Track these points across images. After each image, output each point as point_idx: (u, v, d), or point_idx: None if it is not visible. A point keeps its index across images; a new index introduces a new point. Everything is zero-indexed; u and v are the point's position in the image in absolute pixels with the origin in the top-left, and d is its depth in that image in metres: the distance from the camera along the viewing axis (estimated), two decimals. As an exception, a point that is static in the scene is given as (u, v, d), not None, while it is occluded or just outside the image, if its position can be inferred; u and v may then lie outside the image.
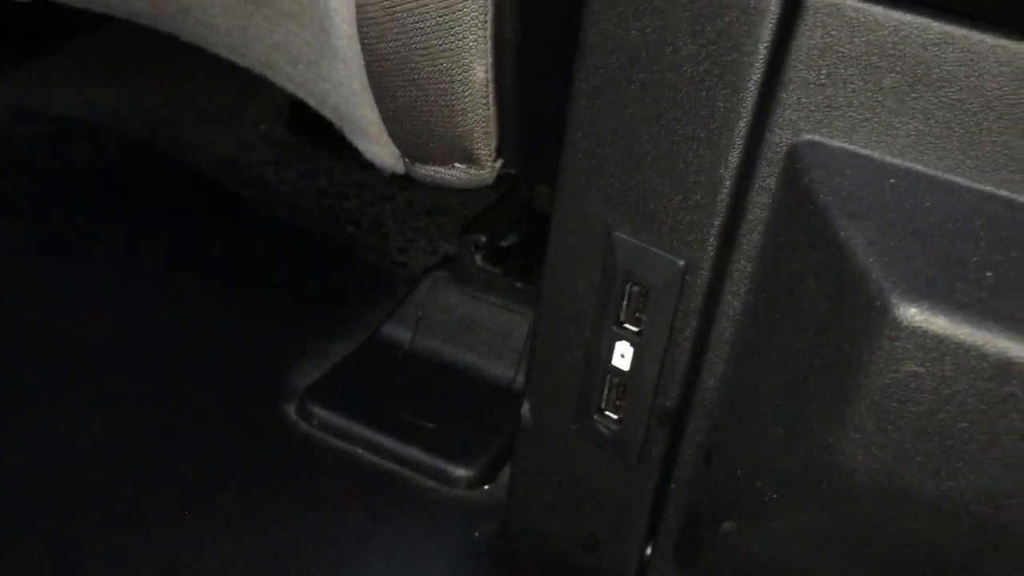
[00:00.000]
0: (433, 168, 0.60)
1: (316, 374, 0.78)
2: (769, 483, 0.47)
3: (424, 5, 0.49)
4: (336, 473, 0.72)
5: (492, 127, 0.54)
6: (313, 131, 1.05)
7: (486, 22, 0.49)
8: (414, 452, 0.72)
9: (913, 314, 0.36)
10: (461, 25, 0.49)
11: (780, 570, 0.51)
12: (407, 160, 0.61)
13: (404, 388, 0.77)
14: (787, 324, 0.43)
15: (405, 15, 0.50)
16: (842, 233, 0.38)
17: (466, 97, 0.52)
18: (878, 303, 0.37)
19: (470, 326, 0.80)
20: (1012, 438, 0.37)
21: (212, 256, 0.90)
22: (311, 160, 1.03)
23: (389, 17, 0.50)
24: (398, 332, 0.81)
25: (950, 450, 0.38)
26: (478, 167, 0.57)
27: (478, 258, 0.78)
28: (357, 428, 0.74)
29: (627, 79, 0.44)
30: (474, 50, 0.50)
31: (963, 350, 0.36)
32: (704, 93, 0.43)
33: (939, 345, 0.36)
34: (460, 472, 0.70)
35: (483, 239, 0.77)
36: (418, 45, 0.51)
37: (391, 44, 0.51)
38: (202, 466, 0.70)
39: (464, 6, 0.49)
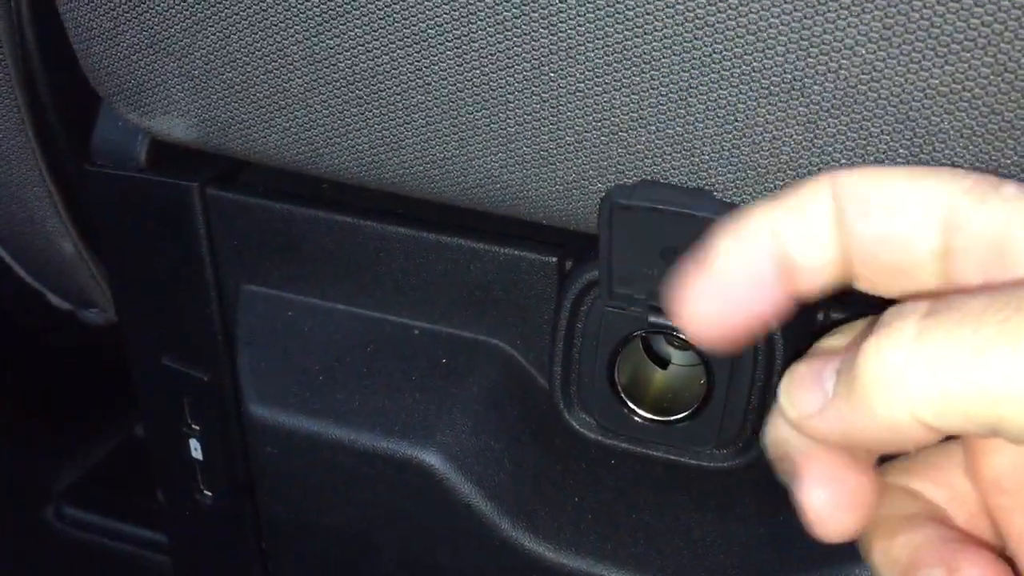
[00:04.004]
0: (83, 312, 0.76)
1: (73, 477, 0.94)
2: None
3: (13, 215, 0.66)
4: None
5: (101, 281, 0.71)
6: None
7: (59, 213, 0.66)
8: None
9: (262, 412, 0.52)
10: (43, 215, 0.66)
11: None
12: (73, 306, 0.78)
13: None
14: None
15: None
16: (237, 359, 0.55)
17: (66, 265, 0.69)
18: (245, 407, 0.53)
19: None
20: (360, 489, 0.53)
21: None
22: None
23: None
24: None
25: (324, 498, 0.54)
26: (103, 310, 0.73)
27: None
28: (110, 523, 0.90)
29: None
30: (57, 233, 0.67)
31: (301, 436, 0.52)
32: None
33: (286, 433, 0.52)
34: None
35: None
36: (21, 237, 0.68)
37: (7, 230, 0.68)
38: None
39: (43, 208, 0.66)
